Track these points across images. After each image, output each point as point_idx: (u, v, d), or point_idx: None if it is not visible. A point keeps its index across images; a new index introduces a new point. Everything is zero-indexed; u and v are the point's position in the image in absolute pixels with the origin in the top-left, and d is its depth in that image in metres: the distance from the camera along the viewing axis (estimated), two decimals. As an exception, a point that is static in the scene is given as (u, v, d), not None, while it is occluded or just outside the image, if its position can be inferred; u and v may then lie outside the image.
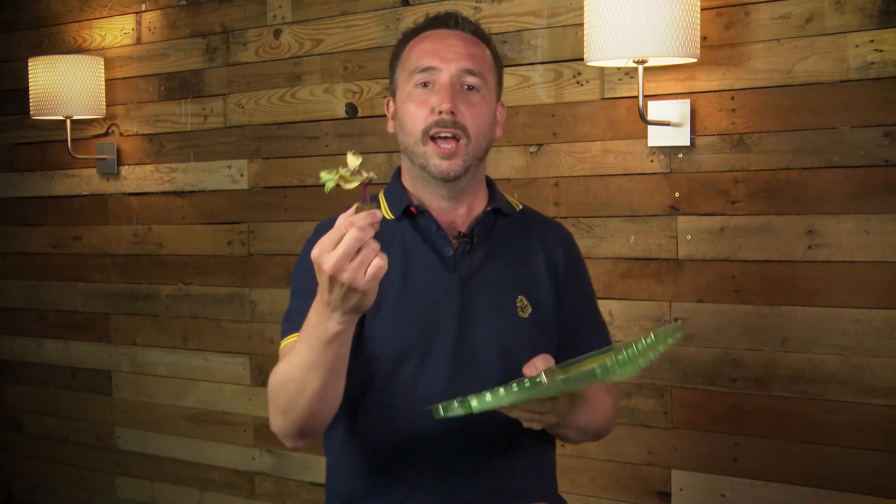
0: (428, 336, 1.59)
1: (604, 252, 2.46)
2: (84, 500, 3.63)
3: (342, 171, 1.32)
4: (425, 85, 1.60)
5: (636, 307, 2.42)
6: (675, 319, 2.36)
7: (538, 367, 1.47)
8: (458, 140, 1.58)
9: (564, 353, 1.61)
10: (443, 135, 1.57)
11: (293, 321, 1.57)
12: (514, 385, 1.42)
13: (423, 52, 1.62)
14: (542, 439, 1.72)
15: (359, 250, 1.27)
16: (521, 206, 1.78)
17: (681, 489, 2.39)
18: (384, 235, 1.64)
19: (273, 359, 1.73)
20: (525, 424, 1.52)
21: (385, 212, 1.66)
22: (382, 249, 1.63)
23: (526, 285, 1.67)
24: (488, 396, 1.41)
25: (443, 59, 1.60)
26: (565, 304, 1.71)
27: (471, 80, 1.61)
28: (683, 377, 2.38)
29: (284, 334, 1.60)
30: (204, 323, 3.23)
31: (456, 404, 1.41)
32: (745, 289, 2.28)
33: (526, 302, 1.65)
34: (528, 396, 1.42)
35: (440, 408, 1.42)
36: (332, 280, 1.28)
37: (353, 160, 1.33)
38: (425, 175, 1.62)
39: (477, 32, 1.66)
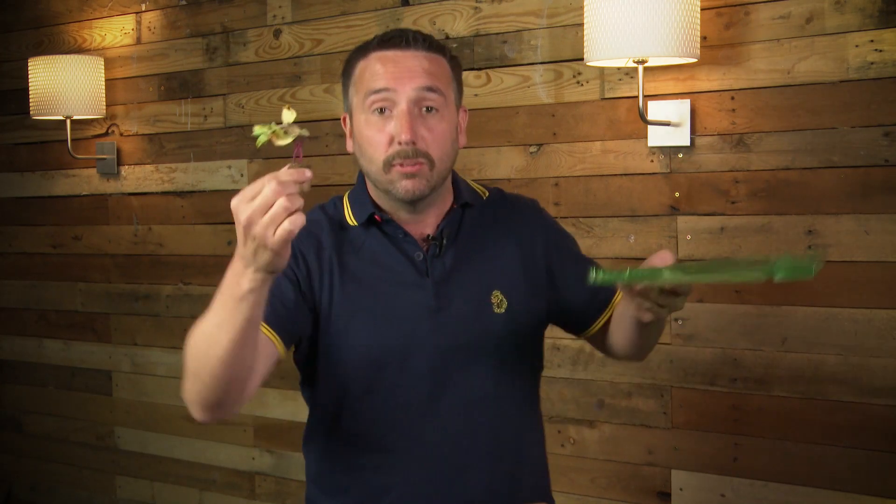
0: (406, 342, 1.57)
1: (604, 252, 2.46)
2: (84, 500, 3.63)
3: (275, 127, 1.28)
4: (382, 111, 1.55)
5: (636, 307, 2.42)
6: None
7: (667, 259, 1.40)
8: (421, 165, 1.54)
9: (582, 319, 1.68)
10: (405, 165, 1.54)
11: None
12: (677, 267, 1.40)
13: (376, 75, 1.56)
14: (528, 437, 1.71)
15: (272, 206, 1.21)
16: (487, 193, 1.73)
17: (681, 489, 2.39)
18: (353, 240, 1.62)
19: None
20: (636, 312, 1.45)
21: (349, 217, 1.63)
22: (352, 254, 1.58)
23: (499, 280, 1.64)
24: (659, 270, 1.38)
25: (398, 80, 1.55)
26: (560, 279, 1.68)
27: (430, 99, 1.55)
28: (683, 377, 2.38)
29: None
30: (204, 323, 3.23)
31: (616, 273, 1.38)
32: (745, 289, 2.28)
33: (501, 296, 1.63)
34: (696, 278, 1.42)
35: (600, 272, 1.38)
36: (246, 232, 1.23)
37: (287, 115, 1.29)
38: (392, 196, 1.59)
39: (432, 46, 1.60)
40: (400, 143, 1.53)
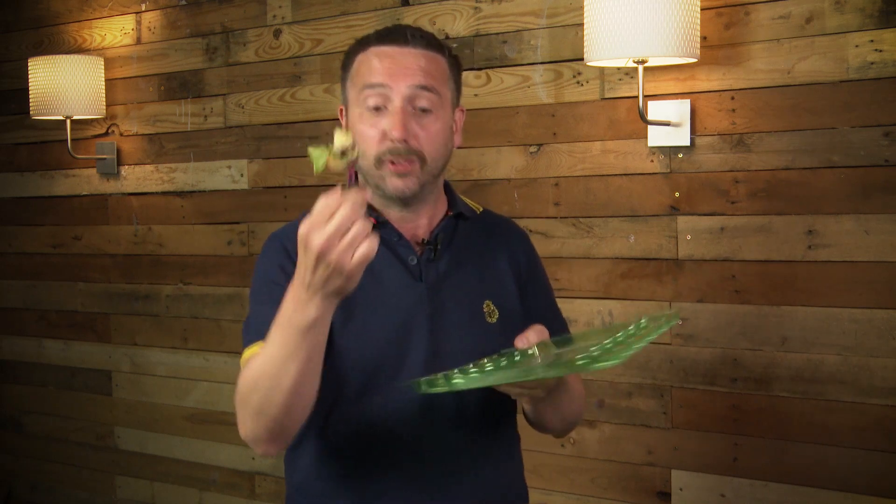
0: (400, 346, 1.56)
1: (604, 252, 2.46)
2: (84, 500, 3.63)
3: (332, 149, 1.27)
4: (377, 109, 1.54)
5: (636, 307, 2.42)
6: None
7: (530, 339, 1.41)
8: (412, 163, 1.53)
9: None
10: (397, 163, 1.53)
11: (255, 330, 1.51)
12: (503, 360, 1.38)
13: (373, 70, 1.56)
14: (513, 443, 1.70)
15: (348, 230, 1.21)
16: (481, 209, 1.75)
17: (681, 489, 2.39)
18: None
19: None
20: (513, 397, 1.48)
21: None
22: None
23: (491, 290, 1.64)
24: (474, 373, 1.36)
25: (393, 77, 1.54)
26: (529, 301, 1.68)
27: (424, 98, 1.54)
28: (683, 377, 2.38)
29: (247, 343, 1.53)
30: (204, 323, 3.23)
31: (440, 380, 1.36)
32: (745, 289, 2.28)
33: (493, 307, 1.62)
34: (515, 377, 1.35)
35: (422, 383, 1.37)
36: (319, 259, 1.22)
37: (341, 139, 1.27)
38: (381, 192, 1.58)
39: (431, 44, 1.59)
40: (392, 141, 1.52)
